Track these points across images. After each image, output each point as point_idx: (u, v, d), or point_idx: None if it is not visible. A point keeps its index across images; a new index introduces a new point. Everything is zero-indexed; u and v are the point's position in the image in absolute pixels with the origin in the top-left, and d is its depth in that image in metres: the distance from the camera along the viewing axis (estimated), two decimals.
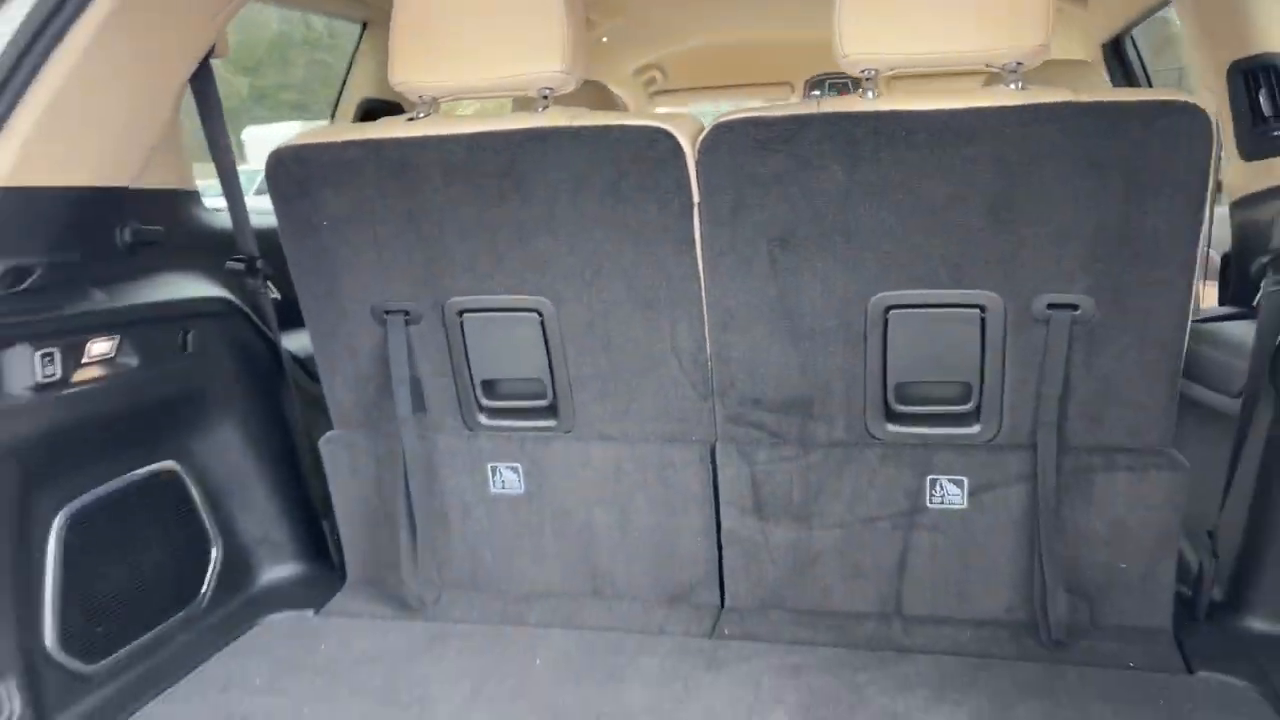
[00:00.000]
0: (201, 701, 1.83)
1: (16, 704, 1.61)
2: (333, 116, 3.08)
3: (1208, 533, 1.94)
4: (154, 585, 2.03)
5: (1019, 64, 1.70)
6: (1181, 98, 1.59)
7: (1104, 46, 3.91)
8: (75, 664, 1.78)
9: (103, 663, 1.85)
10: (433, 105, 1.93)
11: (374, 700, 1.81)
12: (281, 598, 2.24)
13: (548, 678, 1.87)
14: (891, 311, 1.84)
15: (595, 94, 3.37)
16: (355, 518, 2.25)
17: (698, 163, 1.78)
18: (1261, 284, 1.77)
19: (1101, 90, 1.67)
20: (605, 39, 4.29)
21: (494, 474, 2.14)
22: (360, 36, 3.03)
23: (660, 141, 1.77)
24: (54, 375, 1.71)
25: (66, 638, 1.77)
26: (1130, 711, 1.67)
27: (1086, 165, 1.66)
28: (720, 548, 2.09)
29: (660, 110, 5.70)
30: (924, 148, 1.70)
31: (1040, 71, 2.92)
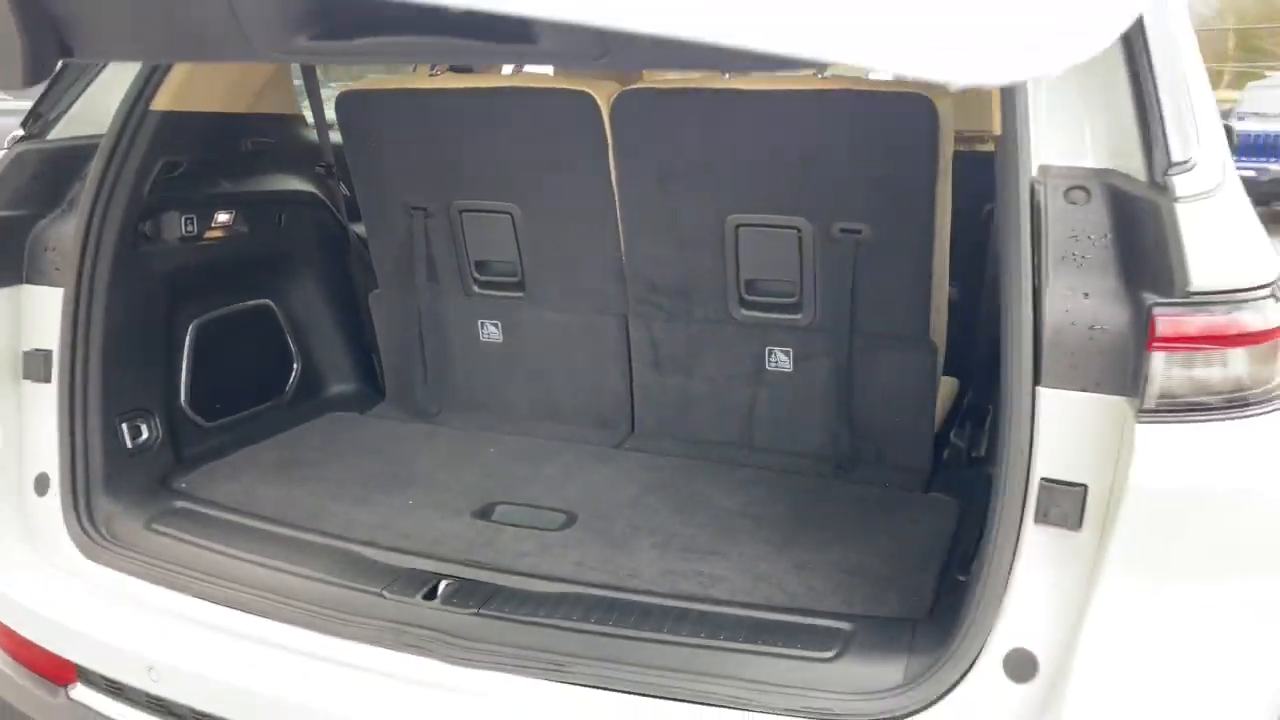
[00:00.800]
0: (278, 451, 2.82)
1: (160, 432, 2.62)
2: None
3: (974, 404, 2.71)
4: (254, 382, 3.03)
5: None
6: (915, 90, 2.33)
7: None
8: (198, 419, 2.79)
9: (216, 422, 2.85)
10: (445, 67, 2.81)
11: (384, 460, 2.76)
12: (339, 403, 3.22)
13: (495, 459, 2.78)
14: (740, 228, 2.64)
15: None
16: (392, 353, 3.20)
17: (609, 117, 2.61)
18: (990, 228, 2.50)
19: (881, 81, 2.41)
20: None
21: (482, 328, 3.05)
22: None
23: (584, 100, 2.61)
24: (192, 231, 2.69)
25: (194, 402, 2.78)
26: (866, 508, 2.47)
27: (858, 133, 2.42)
28: (631, 389, 2.96)
29: None
30: (755, 114, 2.49)
31: None
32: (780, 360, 2.75)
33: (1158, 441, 1.55)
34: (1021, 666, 1.70)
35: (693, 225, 2.68)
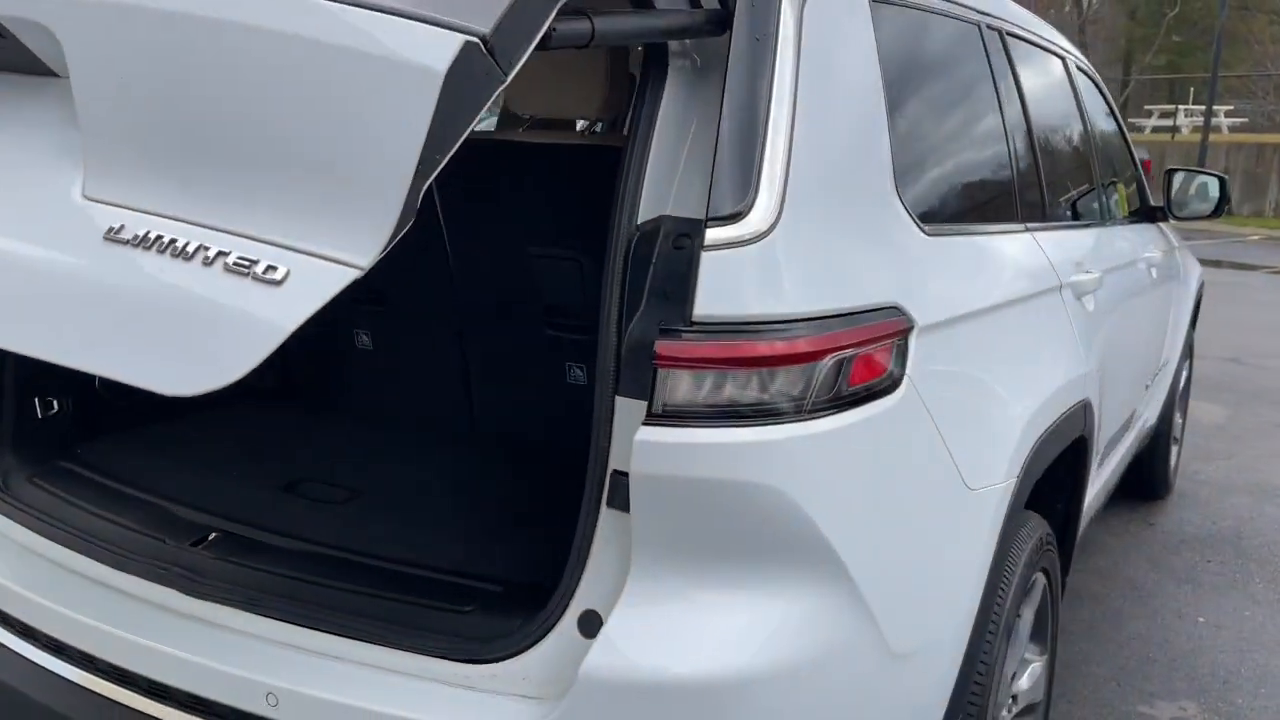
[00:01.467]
0: (174, 427, 3.35)
1: (70, 407, 3.22)
2: None
3: None
4: None
5: (599, 120, 2.88)
6: (611, 143, 2.71)
7: None
8: (111, 397, 3.38)
9: (131, 400, 3.44)
10: None
11: (250, 441, 3.29)
12: (255, 392, 3.75)
13: (339, 447, 3.29)
14: (537, 258, 3.07)
15: None
16: (296, 353, 3.75)
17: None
18: None
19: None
20: None
21: (357, 336, 3.57)
22: None
23: None
24: None
25: (108, 382, 3.38)
26: None
27: (604, 180, 2.82)
28: (469, 394, 3.42)
29: None
30: (529, 162, 2.93)
31: None
32: (577, 375, 3.16)
33: (654, 440, 1.91)
34: (590, 624, 2.07)
35: (504, 255, 3.12)
